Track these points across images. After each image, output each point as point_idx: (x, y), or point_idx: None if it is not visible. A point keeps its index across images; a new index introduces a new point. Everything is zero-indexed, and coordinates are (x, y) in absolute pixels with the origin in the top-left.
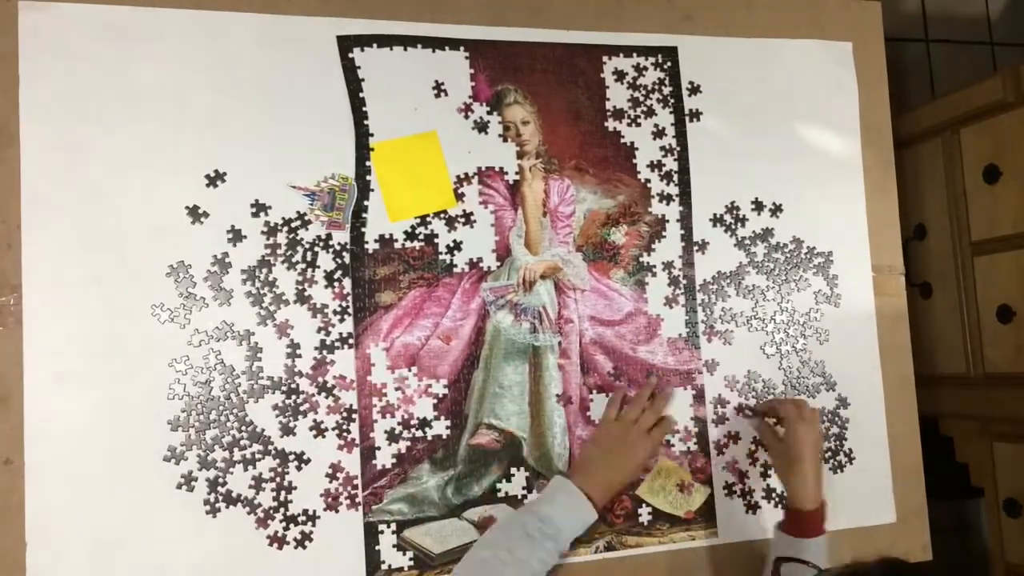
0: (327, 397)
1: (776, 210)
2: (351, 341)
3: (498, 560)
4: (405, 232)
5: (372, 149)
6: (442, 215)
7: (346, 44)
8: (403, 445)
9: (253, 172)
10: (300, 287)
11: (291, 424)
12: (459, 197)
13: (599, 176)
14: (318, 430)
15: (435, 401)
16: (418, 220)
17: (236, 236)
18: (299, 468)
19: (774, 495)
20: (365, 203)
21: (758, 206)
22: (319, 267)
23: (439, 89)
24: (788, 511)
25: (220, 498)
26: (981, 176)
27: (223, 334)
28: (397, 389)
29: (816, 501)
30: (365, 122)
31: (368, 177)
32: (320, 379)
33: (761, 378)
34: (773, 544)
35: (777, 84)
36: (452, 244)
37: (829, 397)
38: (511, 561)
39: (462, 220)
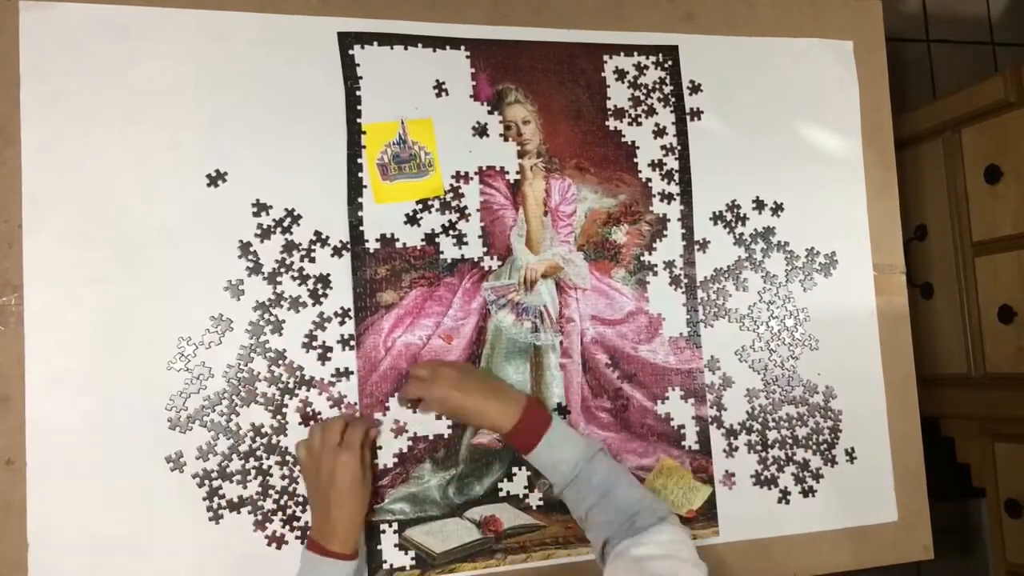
0: (328, 397)
1: (777, 209)
2: (352, 342)
3: None
4: (406, 216)
5: (364, 132)
6: (443, 215)
7: (346, 41)
8: (404, 444)
9: (254, 172)
10: (301, 287)
11: (291, 424)
12: (458, 195)
13: (600, 175)
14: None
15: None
16: (418, 214)
17: (237, 236)
18: (299, 468)
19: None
20: (360, 200)
21: (759, 205)
22: (320, 266)
23: (440, 88)
24: (508, 439)
25: (220, 499)
26: (982, 176)
27: (223, 334)
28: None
29: (513, 413)
30: (358, 120)
31: (360, 175)
32: (321, 379)
33: (762, 377)
34: (535, 466)
35: (778, 83)
36: (453, 243)
37: (829, 395)
38: None
39: (459, 217)
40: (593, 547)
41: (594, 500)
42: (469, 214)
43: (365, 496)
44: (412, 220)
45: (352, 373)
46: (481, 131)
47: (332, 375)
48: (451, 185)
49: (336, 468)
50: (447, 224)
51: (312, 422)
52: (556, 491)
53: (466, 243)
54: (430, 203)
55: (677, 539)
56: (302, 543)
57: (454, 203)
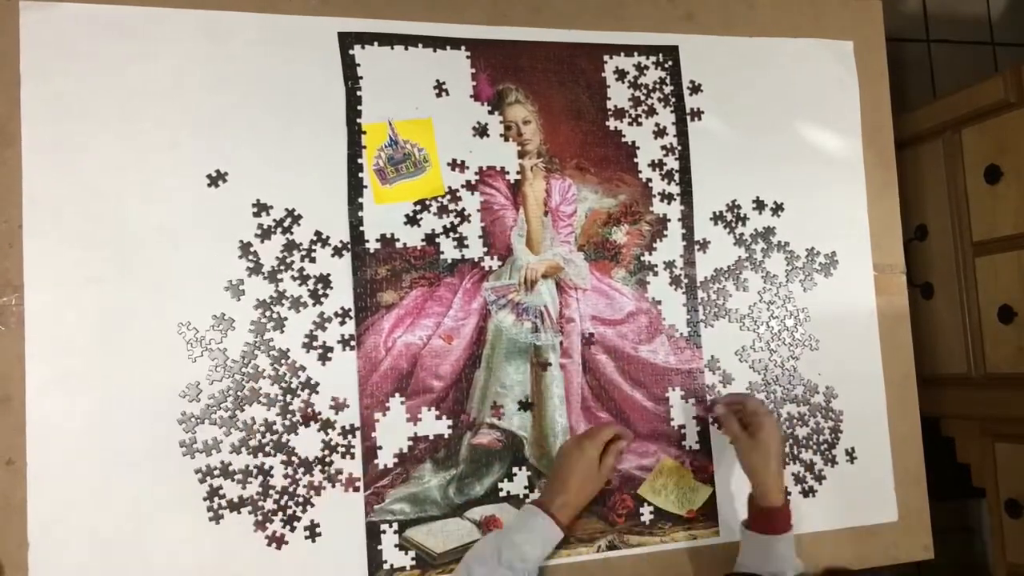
0: (329, 397)
1: (777, 209)
2: (353, 343)
3: None
4: (406, 216)
5: (364, 132)
6: (443, 216)
7: (347, 41)
8: (405, 445)
9: (254, 172)
10: (301, 287)
11: (292, 424)
12: (455, 198)
13: (600, 175)
14: (320, 430)
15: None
16: (417, 214)
17: (237, 236)
18: (300, 468)
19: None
20: (360, 201)
21: (759, 205)
22: (320, 266)
23: (440, 88)
24: (757, 509)
25: (221, 498)
26: (982, 176)
27: (224, 333)
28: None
29: (784, 496)
30: (358, 120)
31: (360, 175)
32: (322, 379)
33: (763, 376)
34: (743, 545)
35: (778, 83)
36: (454, 244)
37: (830, 395)
38: None
39: (460, 218)
40: None
41: None
42: (469, 215)
43: (592, 487)
44: (412, 220)
45: (353, 373)
46: (481, 131)
47: (333, 375)
48: (449, 188)
49: (575, 454)
50: (448, 225)
51: (312, 421)
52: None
53: (466, 243)
54: (429, 203)
55: None
56: (319, 533)
57: (452, 206)
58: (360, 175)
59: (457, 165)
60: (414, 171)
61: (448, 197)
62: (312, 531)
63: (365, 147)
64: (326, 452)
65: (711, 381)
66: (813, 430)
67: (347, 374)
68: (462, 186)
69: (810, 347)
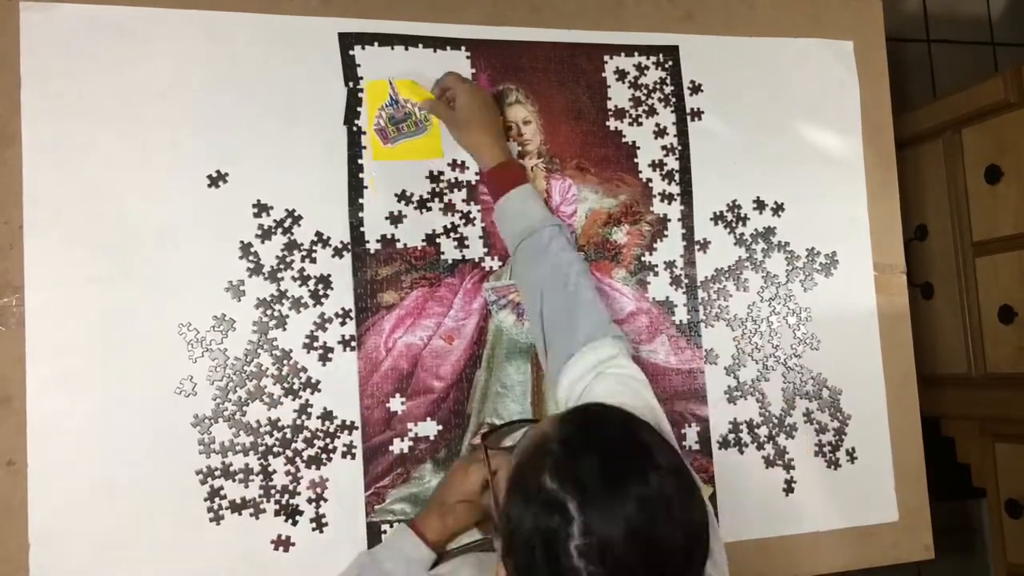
0: (329, 397)
1: (778, 209)
2: (353, 343)
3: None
4: (406, 216)
5: (363, 89)
6: (444, 216)
7: (347, 41)
8: (406, 445)
9: (255, 172)
10: (302, 287)
11: (293, 425)
12: (452, 206)
13: (600, 176)
14: (320, 431)
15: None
16: (419, 217)
17: (238, 237)
18: (301, 468)
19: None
20: (360, 201)
21: (759, 205)
22: (321, 267)
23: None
24: (483, 176)
25: (222, 499)
26: (982, 176)
27: (225, 334)
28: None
29: (501, 155)
30: (357, 122)
31: (361, 175)
32: (323, 379)
33: (764, 376)
34: (496, 223)
35: (778, 83)
36: (454, 244)
37: (831, 395)
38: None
39: (461, 218)
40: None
41: (545, 272)
42: (471, 215)
43: (469, 515)
44: (421, 204)
45: (354, 373)
46: None
47: (334, 375)
48: (453, 160)
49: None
50: (448, 225)
51: (323, 423)
52: (510, 245)
53: (467, 244)
54: (428, 204)
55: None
56: (319, 534)
57: (454, 206)
58: (360, 175)
59: (457, 165)
60: (415, 130)
61: (447, 204)
62: (312, 531)
63: (365, 148)
64: (327, 452)
65: (711, 381)
66: (815, 430)
67: (348, 375)
68: (461, 181)
69: (811, 347)
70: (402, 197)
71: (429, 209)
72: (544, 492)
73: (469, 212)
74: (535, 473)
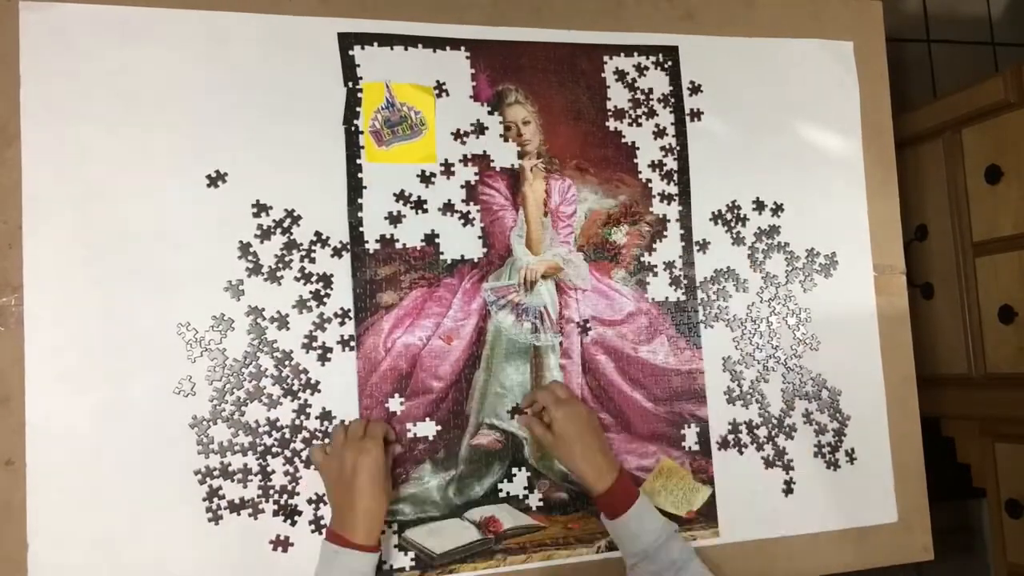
0: (327, 398)
1: (777, 209)
2: (352, 343)
3: None
4: (405, 216)
5: (361, 90)
6: (444, 215)
7: (347, 41)
8: (405, 445)
9: (254, 173)
10: (301, 288)
11: (292, 425)
12: (452, 209)
13: (600, 176)
14: (319, 431)
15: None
16: (418, 217)
17: (237, 237)
18: (300, 469)
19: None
20: (360, 201)
21: (759, 206)
22: (320, 267)
23: (440, 89)
24: (597, 500)
25: (220, 499)
26: (983, 177)
27: (223, 334)
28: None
29: (609, 478)
30: (356, 122)
31: (359, 176)
32: (322, 380)
33: (763, 377)
34: (614, 537)
35: (778, 83)
36: (454, 244)
37: (830, 396)
38: None
39: (463, 220)
40: None
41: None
42: (470, 215)
43: (387, 489)
44: (411, 220)
45: (353, 374)
46: (480, 132)
47: (333, 376)
48: (445, 160)
49: (359, 459)
50: (448, 226)
51: (323, 424)
52: (629, 562)
53: (466, 244)
54: (427, 204)
55: None
56: (319, 534)
57: (453, 207)
58: (359, 176)
59: (456, 165)
60: (410, 134)
61: (446, 205)
62: (312, 532)
63: (364, 147)
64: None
65: (711, 381)
66: (815, 430)
67: (347, 375)
68: (461, 186)
69: (810, 347)
70: (400, 197)
71: (427, 211)
72: None
73: (468, 212)
74: None
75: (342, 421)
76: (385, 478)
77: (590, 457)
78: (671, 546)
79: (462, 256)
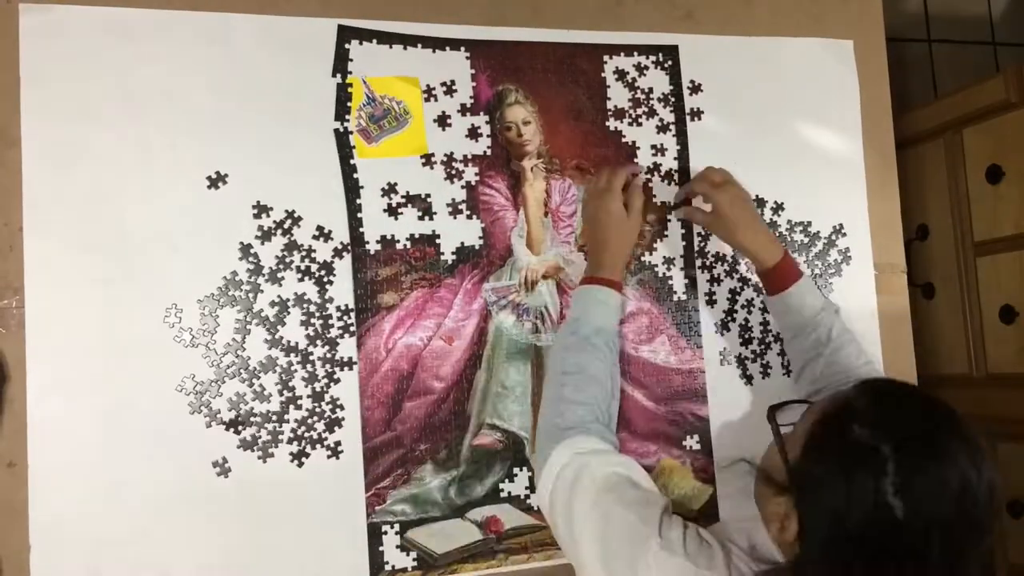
0: (329, 399)
1: (778, 208)
2: (353, 344)
3: (573, 386)
4: (405, 215)
5: (351, 85)
6: (445, 216)
7: (345, 35)
8: (406, 446)
9: (255, 173)
10: (302, 288)
11: (293, 425)
12: (453, 208)
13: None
14: (321, 432)
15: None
16: (420, 218)
17: (237, 238)
18: (301, 469)
19: None
20: (359, 202)
21: (759, 204)
22: (321, 268)
23: (439, 88)
24: (762, 275)
25: (223, 501)
26: (984, 176)
27: (225, 335)
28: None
29: (779, 251)
30: (347, 116)
31: (355, 176)
32: (322, 380)
33: (764, 377)
34: (773, 317)
35: (778, 82)
36: (455, 245)
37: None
38: (586, 377)
39: (462, 214)
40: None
41: (823, 351)
42: (470, 215)
43: (629, 231)
44: (412, 220)
45: (354, 374)
46: (480, 132)
47: (334, 376)
48: (431, 153)
49: (599, 209)
50: (448, 226)
51: (324, 424)
52: (785, 336)
53: (467, 245)
54: (427, 204)
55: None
56: (305, 546)
57: (454, 206)
58: (355, 176)
59: (455, 164)
60: (396, 125)
61: (446, 204)
62: (313, 532)
63: (355, 147)
64: (327, 453)
65: (712, 381)
66: None
67: (348, 376)
68: (462, 187)
69: None
70: (401, 197)
71: (428, 210)
72: (855, 441)
73: (469, 213)
74: (842, 426)
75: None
76: (625, 222)
77: (759, 232)
78: (829, 322)
79: (463, 256)
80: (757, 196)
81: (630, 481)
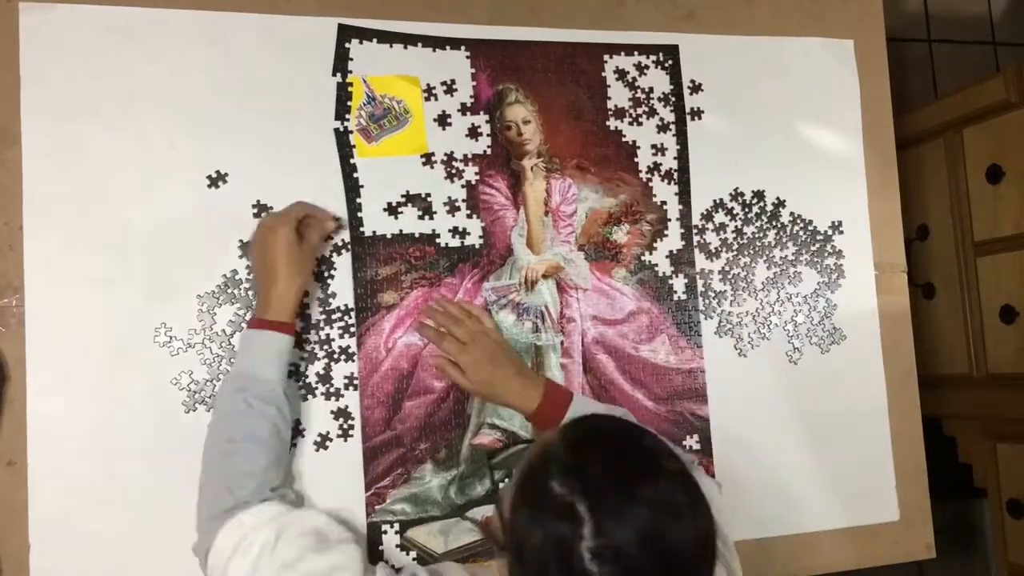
0: (329, 399)
1: (778, 206)
2: (353, 343)
3: (228, 451)
4: (406, 214)
5: (351, 84)
6: (445, 216)
7: (345, 34)
8: (406, 445)
9: (255, 173)
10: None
11: (293, 426)
12: (453, 208)
13: (601, 175)
14: (321, 431)
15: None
16: (420, 217)
17: (238, 237)
18: (301, 469)
19: None
20: (359, 201)
21: (759, 199)
22: (321, 268)
23: (439, 88)
24: (532, 420)
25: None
26: (984, 176)
27: (226, 335)
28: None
29: (535, 393)
30: (348, 116)
31: (355, 175)
32: (322, 380)
33: (764, 376)
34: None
35: (778, 82)
36: (455, 244)
37: (830, 395)
38: (242, 441)
39: (462, 213)
40: None
41: None
42: (470, 215)
43: (301, 268)
44: (412, 220)
45: (353, 374)
46: (480, 131)
47: (334, 376)
48: (431, 153)
49: (268, 239)
50: (448, 225)
51: (324, 424)
52: None
53: (467, 244)
54: (427, 203)
55: None
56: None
57: (454, 205)
58: (355, 176)
59: (457, 161)
60: (396, 125)
61: (446, 204)
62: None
63: (355, 147)
64: (327, 453)
65: (712, 380)
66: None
67: (348, 375)
68: (462, 186)
69: (811, 345)
70: (401, 196)
71: (428, 209)
72: (553, 497)
73: (469, 212)
74: (542, 479)
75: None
76: (297, 257)
77: (510, 385)
78: None
79: (463, 256)
80: (757, 190)
81: (317, 548)
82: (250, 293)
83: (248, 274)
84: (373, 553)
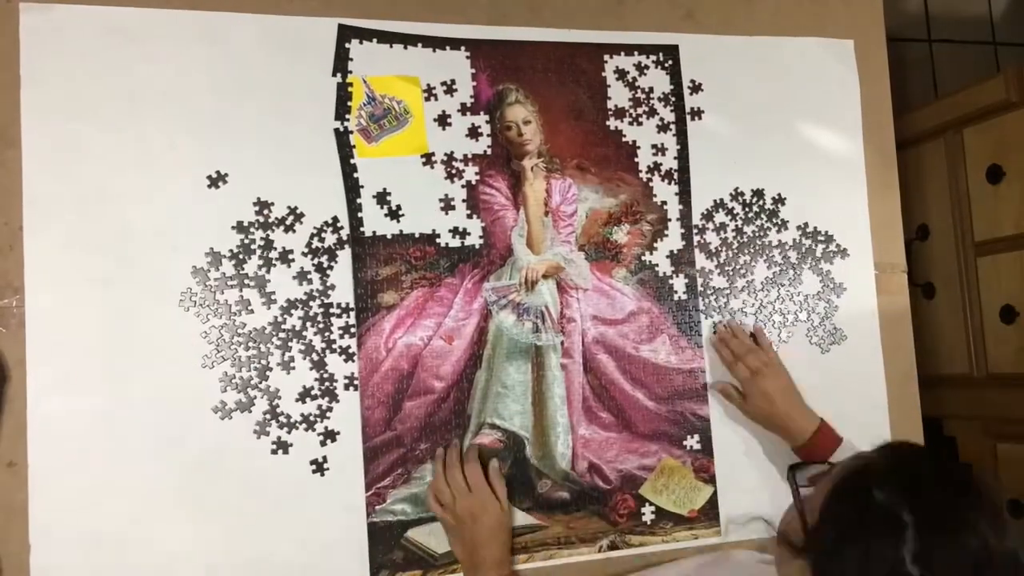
0: (329, 399)
1: (777, 204)
2: (353, 344)
3: None
4: (405, 214)
5: (351, 84)
6: (444, 215)
7: (345, 34)
8: (406, 445)
9: (255, 173)
10: (302, 288)
11: (293, 425)
12: (453, 208)
13: (601, 175)
14: (321, 432)
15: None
16: (420, 217)
17: (238, 237)
18: (302, 469)
19: None
20: (359, 201)
21: (758, 197)
22: (321, 267)
23: (439, 88)
24: (797, 452)
25: (224, 500)
26: (984, 176)
27: (227, 335)
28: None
29: (809, 428)
30: (348, 116)
31: (355, 175)
32: (322, 381)
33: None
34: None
35: (778, 82)
36: (456, 244)
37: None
38: None
39: (463, 213)
40: None
41: None
42: (471, 215)
43: (508, 523)
44: (412, 220)
45: (353, 375)
46: (481, 131)
47: (334, 376)
48: (431, 152)
49: (475, 510)
50: (448, 225)
51: (324, 424)
52: None
53: (467, 244)
54: (427, 204)
55: None
56: (306, 546)
57: (454, 206)
58: (355, 176)
59: (457, 161)
60: (397, 125)
61: (446, 204)
62: (313, 531)
63: (355, 146)
64: (328, 453)
65: (712, 380)
66: None
67: (348, 375)
68: (462, 186)
69: (811, 345)
70: (401, 196)
71: (428, 209)
72: (875, 505)
73: (469, 212)
74: (862, 489)
75: (445, 447)
76: (503, 516)
77: (795, 414)
78: None
79: (463, 256)
80: (757, 190)
81: None
82: (251, 298)
83: (247, 279)
84: (373, 553)
